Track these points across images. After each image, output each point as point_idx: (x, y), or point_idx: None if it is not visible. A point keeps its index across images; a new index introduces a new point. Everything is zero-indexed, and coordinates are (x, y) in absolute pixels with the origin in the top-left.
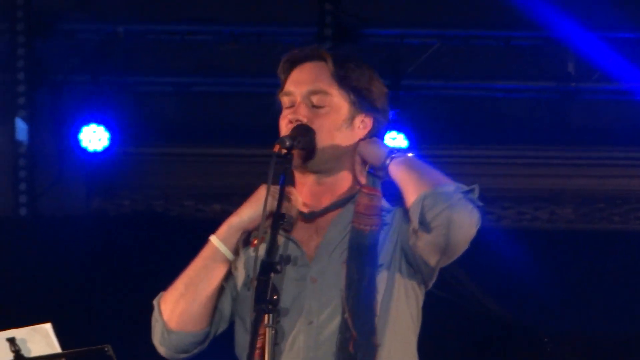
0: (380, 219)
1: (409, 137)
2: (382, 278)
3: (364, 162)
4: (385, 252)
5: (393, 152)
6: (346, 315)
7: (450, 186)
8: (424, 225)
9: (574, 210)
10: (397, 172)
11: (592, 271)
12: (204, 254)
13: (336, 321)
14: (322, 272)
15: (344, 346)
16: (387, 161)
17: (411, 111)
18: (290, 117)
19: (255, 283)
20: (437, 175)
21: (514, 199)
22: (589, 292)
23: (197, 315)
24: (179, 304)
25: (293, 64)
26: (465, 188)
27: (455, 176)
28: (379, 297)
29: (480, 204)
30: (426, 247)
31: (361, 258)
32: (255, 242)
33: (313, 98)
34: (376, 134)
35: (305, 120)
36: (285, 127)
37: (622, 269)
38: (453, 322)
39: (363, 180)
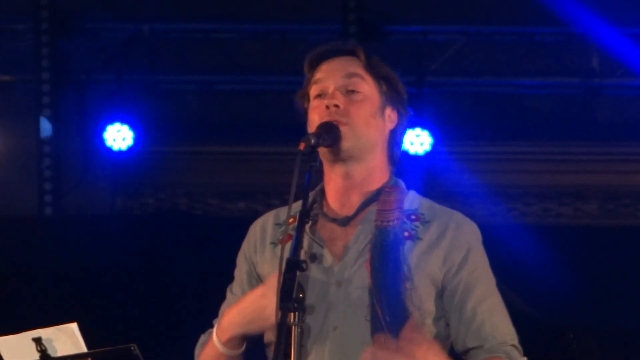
0: (401, 214)
1: (433, 134)
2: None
3: None
4: (419, 271)
5: None
6: (380, 315)
7: None
8: None
9: (599, 206)
10: None
11: (617, 267)
12: (211, 352)
13: (363, 327)
14: (348, 275)
15: None
16: None
17: (435, 108)
18: (327, 102)
19: (280, 281)
20: None
21: (538, 195)
22: (614, 287)
23: None
24: None
25: (321, 59)
26: None
27: (479, 173)
28: (411, 295)
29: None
30: None
31: (385, 257)
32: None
33: (348, 82)
34: (400, 130)
35: (342, 107)
36: (320, 115)
37: None
38: None
39: None
